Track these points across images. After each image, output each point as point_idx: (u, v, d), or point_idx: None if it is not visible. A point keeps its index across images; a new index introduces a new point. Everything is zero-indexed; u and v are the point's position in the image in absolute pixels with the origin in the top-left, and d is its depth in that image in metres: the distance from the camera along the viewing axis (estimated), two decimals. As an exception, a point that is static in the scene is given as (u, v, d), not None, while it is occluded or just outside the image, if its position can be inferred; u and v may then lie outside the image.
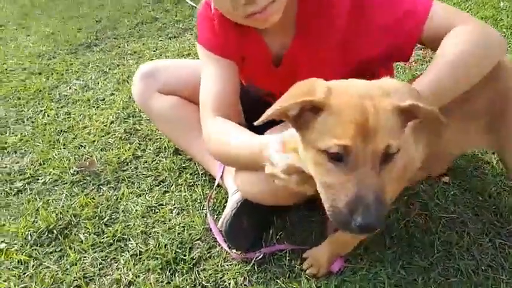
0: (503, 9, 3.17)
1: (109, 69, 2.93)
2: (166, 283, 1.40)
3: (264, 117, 0.91)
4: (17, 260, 1.52)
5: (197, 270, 1.44)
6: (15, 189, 1.88)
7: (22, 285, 1.43)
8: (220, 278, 1.41)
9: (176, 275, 1.43)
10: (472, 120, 1.28)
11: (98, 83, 2.75)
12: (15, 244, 1.59)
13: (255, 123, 0.94)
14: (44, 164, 2.02)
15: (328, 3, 1.25)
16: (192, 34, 3.49)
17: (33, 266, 1.51)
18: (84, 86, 2.73)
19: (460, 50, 1.11)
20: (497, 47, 1.18)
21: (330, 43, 1.31)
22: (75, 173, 1.93)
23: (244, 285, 1.38)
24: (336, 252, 1.36)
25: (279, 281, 1.38)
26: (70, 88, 2.72)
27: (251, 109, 1.24)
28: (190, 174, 1.87)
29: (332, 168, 0.83)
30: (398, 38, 1.24)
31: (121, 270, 1.46)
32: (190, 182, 1.83)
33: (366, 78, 0.92)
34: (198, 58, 1.50)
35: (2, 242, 1.60)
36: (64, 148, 2.12)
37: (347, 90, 0.86)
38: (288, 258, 1.44)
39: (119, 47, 3.29)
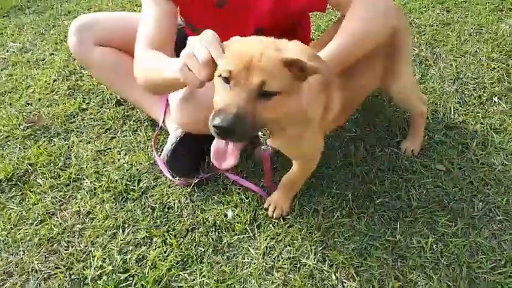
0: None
1: (45, 30, 2.98)
2: (120, 209, 1.67)
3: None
4: (-18, 206, 1.72)
5: (146, 197, 1.71)
6: (-31, 147, 2.03)
7: (-9, 224, 1.65)
8: (166, 200, 1.69)
9: (128, 202, 1.70)
10: (375, 67, 1.55)
11: (36, 45, 2.82)
12: (-22, 193, 1.78)
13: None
14: (-7, 123, 2.16)
15: None
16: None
17: (-2, 208, 1.71)
18: (21, 48, 2.79)
19: (361, 23, 1.35)
20: (393, 16, 1.44)
21: None
22: (25, 128, 2.09)
23: (187, 203, 1.67)
24: (289, 193, 1.60)
25: (215, 196, 1.68)
26: (8, 51, 2.78)
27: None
28: (134, 121, 2.09)
29: (221, 88, 1.08)
30: None
31: (79, 204, 1.71)
32: (134, 128, 2.05)
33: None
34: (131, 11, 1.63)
35: (-35, 192, 1.78)
36: (11, 107, 2.25)
37: (247, 41, 1.13)
38: (221, 179, 1.74)
39: (52, 8, 3.30)
